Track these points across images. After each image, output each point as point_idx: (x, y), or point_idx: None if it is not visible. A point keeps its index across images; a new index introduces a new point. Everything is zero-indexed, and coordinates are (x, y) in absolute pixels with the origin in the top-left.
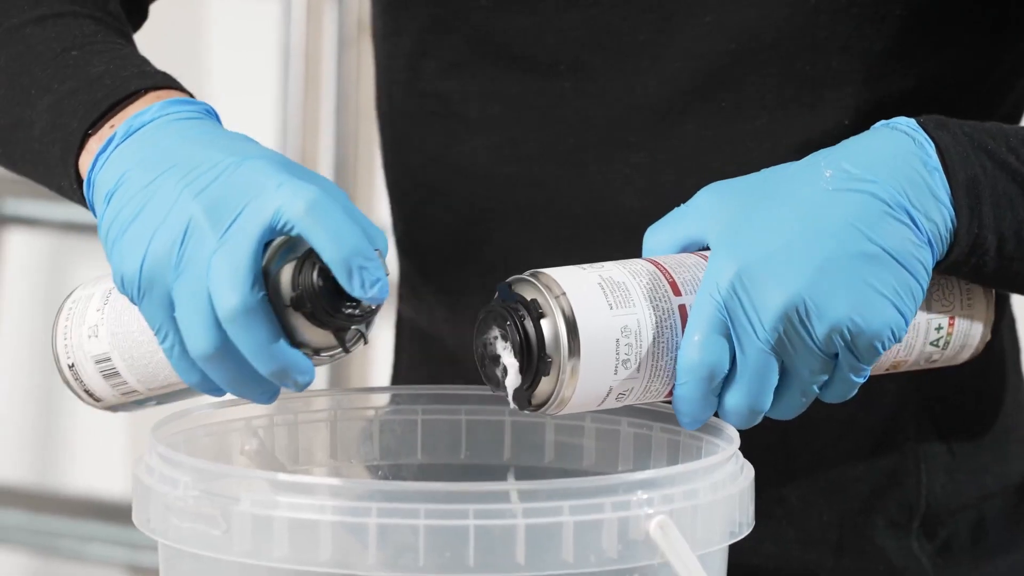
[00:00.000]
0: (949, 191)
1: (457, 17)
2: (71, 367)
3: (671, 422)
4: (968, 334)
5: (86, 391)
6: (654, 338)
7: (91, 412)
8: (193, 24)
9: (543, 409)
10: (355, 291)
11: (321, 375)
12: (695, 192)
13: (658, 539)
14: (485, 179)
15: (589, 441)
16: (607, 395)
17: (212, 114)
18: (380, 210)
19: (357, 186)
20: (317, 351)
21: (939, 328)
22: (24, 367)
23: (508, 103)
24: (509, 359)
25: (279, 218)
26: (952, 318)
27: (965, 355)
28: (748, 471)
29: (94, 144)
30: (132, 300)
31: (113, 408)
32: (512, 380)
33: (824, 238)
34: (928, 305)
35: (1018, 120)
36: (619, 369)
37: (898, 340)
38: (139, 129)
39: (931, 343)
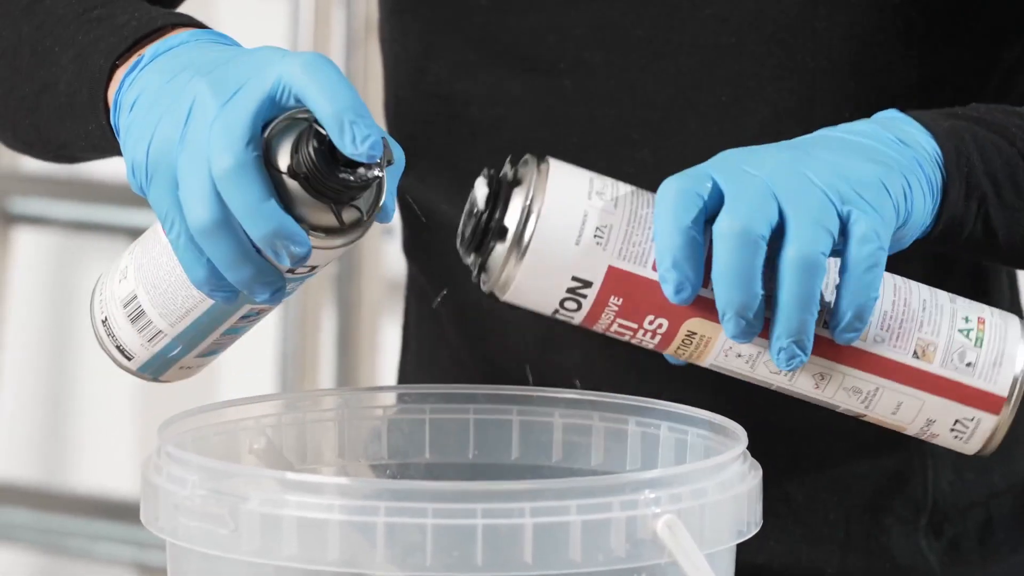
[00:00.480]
0: (929, 132)
1: (460, 19)
2: (104, 322)
3: (679, 421)
4: (1005, 340)
5: (118, 347)
6: (632, 192)
7: (100, 410)
8: None
9: (516, 233)
10: (346, 147)
11: (329, 374)
12: None
13: (666, 538)
14: None
15: (597, 440)
16: (583, 222)
17: (241, 46)
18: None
19: None
20: (314, 227)
21: (967, 319)
22: (32, 365)
23: (511, 104)
24: (482, 188)
25: (279, 85)
26: (981, 318)
27: (1006, 374)
28: (756, 470)
29: (121, 73)
30: (141, 189)
31: (143, 369)
32: (480, 193)
33: (808, 139)
34: (952, 298)
35: None
36: (592, 196)
37: (907, 201)
38: (166, 51)
39: (960, 331)
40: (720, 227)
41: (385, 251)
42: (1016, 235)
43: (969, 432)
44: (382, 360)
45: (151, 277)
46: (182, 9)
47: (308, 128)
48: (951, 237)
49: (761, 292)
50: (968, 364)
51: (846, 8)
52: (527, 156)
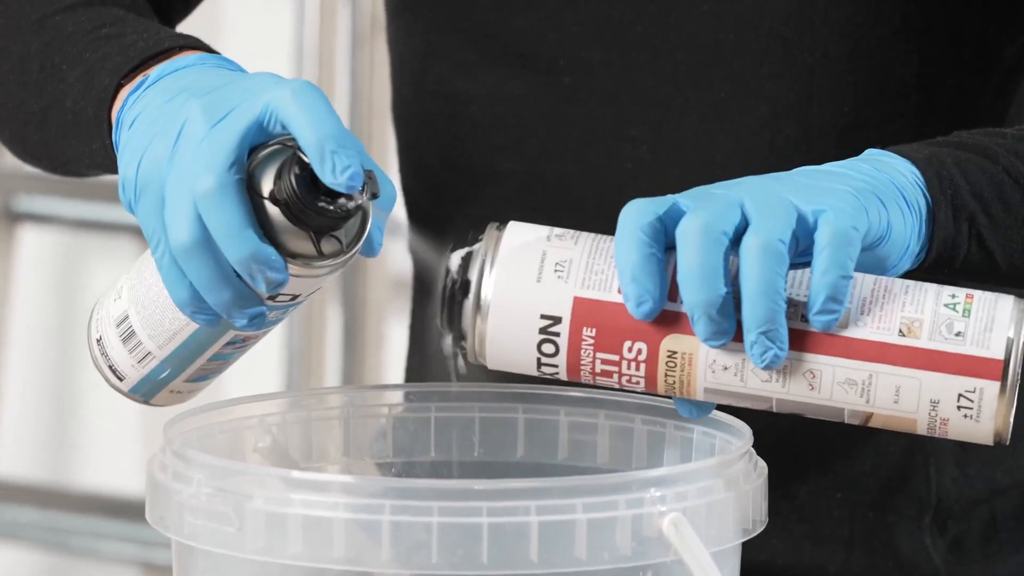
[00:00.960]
0: (908, 160)
1: (460, 18)
2: (99, 341)
3: (685, 419)
4: (995, 307)
5: (110, 367)
6: (594, 234)
7: (104, 408)
8: (207, 24)
9: (478, 283)
10: (326, 176)
11: (334, 373)
12: (698, 185)
13: (671, 536)
14: (492, 179)
15: (603, 439)
16: (543, 260)
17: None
18: (395, 210)
19: None
20: (293, 255)
21: (953, 296)
22: (37, 364)
23: (512, 103)
24: (444, 261)
25: (267, 111)
26: (969, 294)
27: (999, 338)
28: (762, 468)
29: (125, 92)
30: (130, 207)
31: (134, 390)
32: (455, 261)
33: (782, 172)
34: (940, 285)
35: (1017, 119)
36: (552, 239)
37: (882, 219)
38: (172, 73)
39: (945, 305)
40: (682, 227)
41: (391, 249)
42: (1014, 253)
43: (976, 407)
44: (388, 358)
45: (142, 298)
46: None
47: (292, 155)
48: (948, 262)
49: (726, 289)
50: (957, 334)
51: (844, 4)
52: (489, 223)
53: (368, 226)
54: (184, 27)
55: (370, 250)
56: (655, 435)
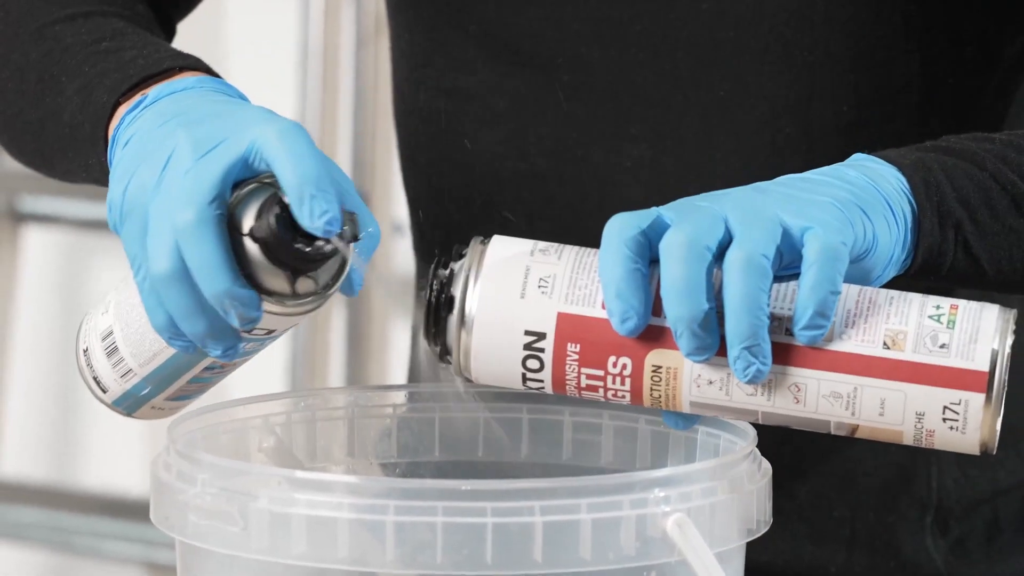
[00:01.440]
0: (894, 166)
1: (460, 15)
2: (85, 352)
3: None
4: (980, 318)
5: (94, 378)
6: (579, 248)
7: (108, 409)
8: (211, 23)
9: (462, 299)
10: (304, 219)
11: (338, 373)
12: (698, 184)
13: (676, 537)
14: (492, 176)
15: (607, 439)
16: (526, 276)
17: (245, 99)
18: (398, 209)
19: (375, 185)
20: (268, 292)
21: (938, 307)
22: (41, 364)
23: (511, 99)
24: (428, 275)
25: (252, 148)
26: (954, 304)
27: (983, 349)
28: (766, 468)
29: (123, 110)
30: (115, 229)
31: (117, 403)
32: (439, 275)
33: (766, 182)
34: (925, 295)
35: (1017, 119)
36: (535, 254)
37: (867, 231)
38: (169, 95)
39: (930, 317)
40: (665, 242)
41: (395, 249)
42: (1001, 259)
43: (962, 419)
44: (392, 358)
45: (125, 316)
46: (196, 10)
47: (273, 195)
48: (934, 269)
49: (709, 304)
50: (942, 346)
51: (844, 3)
52: (473, 237)
53: (347, 268)
54: (189, 27)
55: (349, 290)
56: (659, 435)
